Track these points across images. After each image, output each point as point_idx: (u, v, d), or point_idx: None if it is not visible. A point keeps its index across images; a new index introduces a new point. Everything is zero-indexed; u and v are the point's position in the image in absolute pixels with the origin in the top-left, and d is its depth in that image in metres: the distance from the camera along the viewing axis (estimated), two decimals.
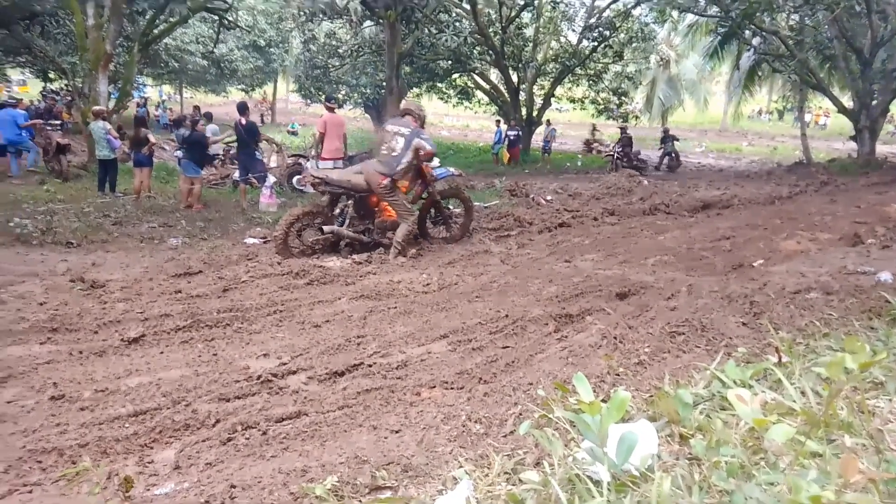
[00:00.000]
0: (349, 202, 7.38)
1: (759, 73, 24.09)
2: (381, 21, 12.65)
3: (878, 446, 1.45)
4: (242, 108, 11.33)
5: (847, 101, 20.04)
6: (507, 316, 4.69)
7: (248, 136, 11.20)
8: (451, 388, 3.53)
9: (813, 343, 2.81)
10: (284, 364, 3.85)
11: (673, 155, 20.27)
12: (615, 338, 3.66)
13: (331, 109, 11.20)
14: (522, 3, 20.49)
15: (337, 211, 7.40)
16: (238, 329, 4.60)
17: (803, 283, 4.37)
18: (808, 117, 30.31)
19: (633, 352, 3.37)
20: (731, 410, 1.60)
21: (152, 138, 12.27)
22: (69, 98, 22.21)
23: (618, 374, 2.88)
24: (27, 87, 33.64)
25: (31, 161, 14.20)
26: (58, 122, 18.71)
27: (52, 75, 26.01)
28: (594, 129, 26.58)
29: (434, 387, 3.57)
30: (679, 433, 1.65)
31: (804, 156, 21.49)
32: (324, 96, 16.59)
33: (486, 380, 3.56)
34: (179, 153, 12.09)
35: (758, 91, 27.59)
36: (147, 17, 18.52)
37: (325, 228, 7.20)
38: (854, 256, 5.23)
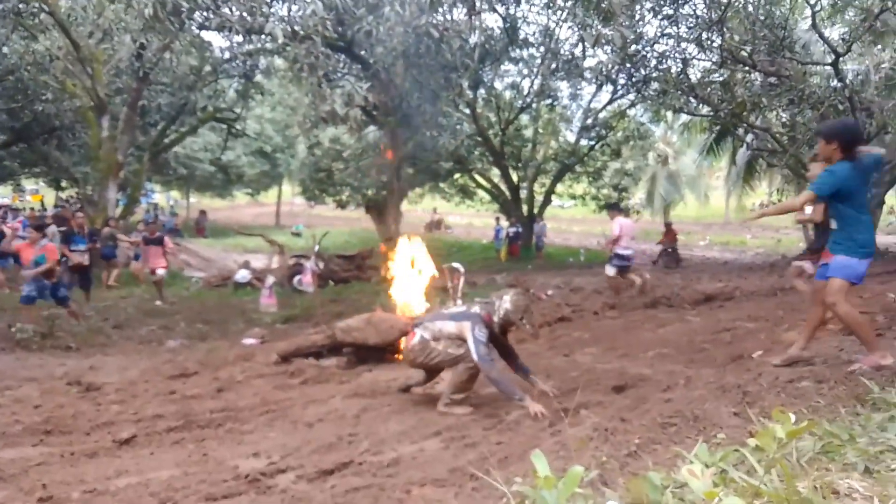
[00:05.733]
0: None
1: (757, 168, 24.65)
2: (381, 126, 13.26)
3: None
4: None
5: None
6: (501, 412, 4.65)
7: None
8: (443, 486, 3.47)
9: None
10: (274, 463, 3.81)
11: (669, 250, 19.59)
12: (606, 430, 3.63)
13: None
14: (521, 105, 21.36)
15: None
16: (230, 429, 4.57)
17: (797, 372, 4.36)
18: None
19: (624, 443, 3.33)
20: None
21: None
22: (79, 206, 22.90)
23: (603, 464, 2.85)
24: (40, 195, 34.64)
25: None
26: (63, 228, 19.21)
27: (63, 184, 26.92)
28: (434, 210, 25.08)
29: (425, 485, 3.52)
30: None
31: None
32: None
33: (477, 476, 3.50)
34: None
35: (758, 185, 28.09)
36: (159, 128, 19.40)
37: None
38: (850, 345, 5.21)
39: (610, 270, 10.51)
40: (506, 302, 5.03)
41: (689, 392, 4.44)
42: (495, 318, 5.02)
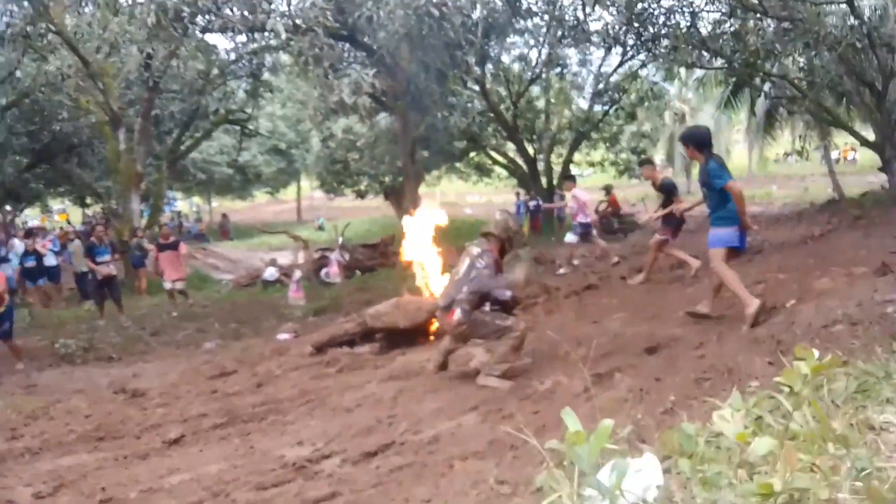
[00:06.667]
0: None
1: (777, 117, 24.11)
2: (392, 112, 13.26)
3: (850, 450, 1.46)
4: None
5: (870, 135, 19.88)
6: (535, 382, 4.70)
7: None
8: (483, 458, 3.53)
9: (829, 372, 2.77)
10: (318, 449, 3.92)
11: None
12: (641, 390, 3.65)
13: None
14: (530, 77, 21.16)
15: None
16: (273, 421, 4.70)
17: (830, 317, 4.32)
18: (835, 154, 29.91)
19: (659, 402, 3.35)
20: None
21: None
22: (105, 220, 23.29)
23: (638, 421, 2.88)
24: (66, 214, 35.13)
25: None
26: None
27: (88, 200, 27.37)
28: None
29: (466, 458, 3.58)
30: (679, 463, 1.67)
31: (836, 193, 21.20)
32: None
33: (517, 445, 3.55)
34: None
35: (780, 134, 27.45)
36: (174, 135, 19.61)
37: None
38: (883, 286, 5.14)
39: (571, 238, 11.05)
40: (501, 222, 5.45)
41: (721, 347, 4.44)
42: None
